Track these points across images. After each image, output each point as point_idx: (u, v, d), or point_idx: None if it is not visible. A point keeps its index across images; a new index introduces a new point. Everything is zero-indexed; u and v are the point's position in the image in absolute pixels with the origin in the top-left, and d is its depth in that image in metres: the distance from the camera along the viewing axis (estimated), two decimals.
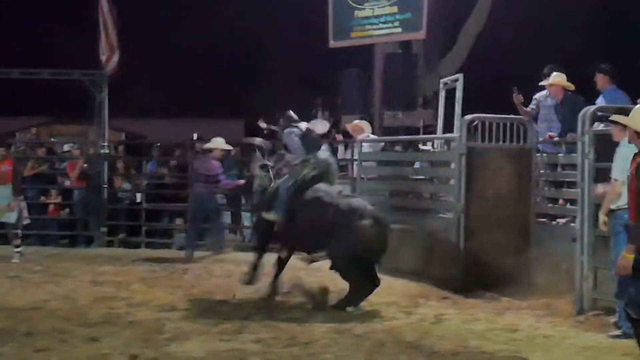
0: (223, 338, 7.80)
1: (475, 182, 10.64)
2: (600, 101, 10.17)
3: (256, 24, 24.16)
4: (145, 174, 15.45)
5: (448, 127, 11.90)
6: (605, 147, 8.32)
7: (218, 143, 13.30)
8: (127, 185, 15.25)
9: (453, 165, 10.86)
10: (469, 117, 10.70)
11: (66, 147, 15.73)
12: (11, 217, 12.52)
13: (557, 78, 10.42)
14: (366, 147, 12.57)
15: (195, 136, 19.69)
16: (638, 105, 6.75)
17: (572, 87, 10.38)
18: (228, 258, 12.97)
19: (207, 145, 13.40)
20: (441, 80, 12.22)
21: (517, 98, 10.72)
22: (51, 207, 15.12)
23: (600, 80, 10.28)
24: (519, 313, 9.00)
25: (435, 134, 13.04)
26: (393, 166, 12.31)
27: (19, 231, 12.72)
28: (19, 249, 12.57)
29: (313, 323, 8.46)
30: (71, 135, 20.76)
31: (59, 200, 15.12)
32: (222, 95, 27.32)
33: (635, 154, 6.21)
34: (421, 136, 12.22)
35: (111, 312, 9.02)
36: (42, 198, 15.25)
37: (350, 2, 14.02)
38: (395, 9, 13.46)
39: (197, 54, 25.87)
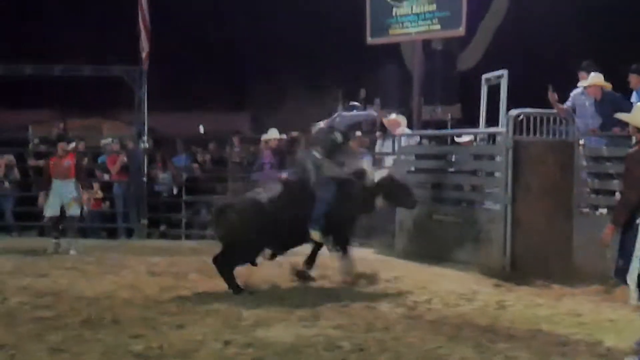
0: (304, 324, 8.15)
1: (521, 174, 11.05)
2: (635, 99, 10.66)
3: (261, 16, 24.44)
4: (182, 167, 15.77)
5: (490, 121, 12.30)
6: None
7: (273, 133, 13.83)
8: (165, 178, 15.56)
9: (499, 158, 11.26)
10: (515, 111, 11.10)
11: (104, 142, 16.04)
12: (77, 211, 12.91)
13: (595, 79, 10.87)
14: (404, 141, 12.98)
15: (202, 129, 20.06)
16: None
17: (609, 86, 10.81)
18: None
19: (265, 137, 13.87)
20: (483, 76, 12.60)
21: (552, 96, 11.17)
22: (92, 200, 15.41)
23: (634, 79, 10.75)
24: (575, 299, 9.41)
25: (462, 127, 13.52)
26: (436, 160, 12.69)
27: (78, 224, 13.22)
28: (75, 240, 12.98)
29: (382, 309, 8.85)
30: (83, 129, 21.02)
31: (100, 194, 15.42)
32: (227, 87, 27.59)
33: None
34: (470, 129, 12.58)
35: (184, 300, 9.38)
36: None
37: (389, 0, 14.37)
38: (434, 6, 13.82)
39: (201, 45, 26.02)
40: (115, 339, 7.60)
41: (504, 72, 11.98)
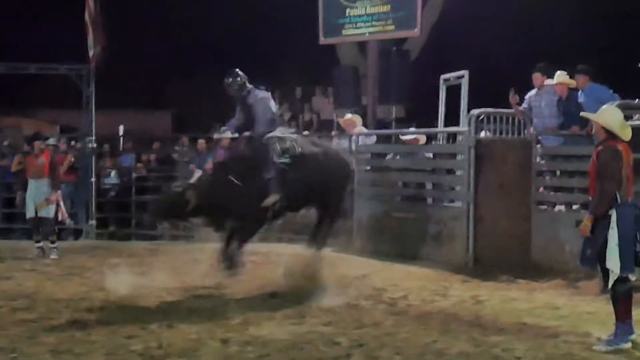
0: (293, 322, 8.24)
1: (482, 173, 11.37)
2: (581, 98, 11.08)
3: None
4: (128, 167, 15.63)
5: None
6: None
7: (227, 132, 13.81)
8: (112, 178, 15.40)
9: (460, 157, 11.56)
10: (476, 111, 11.41)
11: (51, 141, 15.72)
12: (50, 212, 12.40)
13: (561, 77, 11.22)
14: (361, 140, 13.18)
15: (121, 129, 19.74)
16: (605, 106, 7.89)
17: (574, 84, 11.19)
18: None
19: (217, 135, 13.85)
20: (442, 77, 12.88)
21: (514, 98, 11.51)
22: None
23: (581, 80, 11.18)
24: (546, 293, 9.73)
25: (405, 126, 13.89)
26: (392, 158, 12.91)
27: (55, 227, 12.67)
28: (54, 245, 12.46)
29: (364, 306, 9.00)
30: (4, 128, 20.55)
31: None
32: (147, 86, 27.34)
33: (597, 145, 7.43)
34: (432, 129, 12.83)
35: (161, 300, 9.36)
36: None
37: (342, 1, 14.55)
38: (388, 7, 14.07)
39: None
40: (110, 339, 7.55)
41: (465, 73, 12.28)
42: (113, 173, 15.32)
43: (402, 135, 12.86)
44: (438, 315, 8.57)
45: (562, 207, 11.34)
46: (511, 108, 11.68)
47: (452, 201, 12.01)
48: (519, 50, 16.32)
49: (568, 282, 10.21)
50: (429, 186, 12.47)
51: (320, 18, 14.95)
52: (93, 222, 14.64)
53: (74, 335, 7.69)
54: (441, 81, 12.92)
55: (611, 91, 10.53)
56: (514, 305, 9.09)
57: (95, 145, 14.82)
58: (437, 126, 13.04)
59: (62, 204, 12.64)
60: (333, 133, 13.66)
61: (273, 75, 20.64)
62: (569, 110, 11.00)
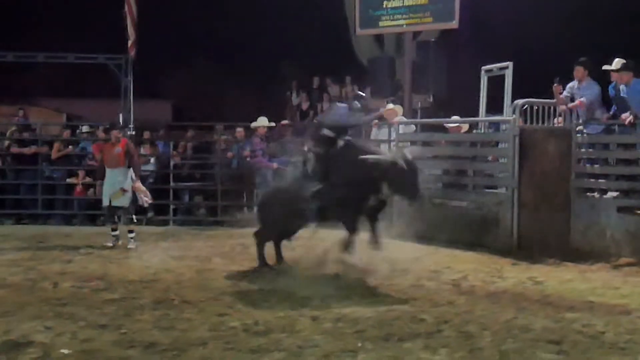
0: (370, 301, 8.54)
1: (526, 160, 11.79)
2: (626, 92, 11.47)
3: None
4: (167, 154, 15.92)
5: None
6: None
7: (263, 121, 14.23)
8: (150, 165, 15.69)
9: (505, 145, 11.99)
10: (520, 101, 11.83)
11: (84, 129, 16.04)
12: (124, 201, 12.30)
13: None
14: (402, 129, 13.59)
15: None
16: None
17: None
18: None
19: (254, 124, 14.24)
20: (483, 68, 13.30)
21: (558, 88, 11.89)
22: (78, 187, 15.42)
23: (626, 76, 11.57)
24: (598, 275, 10.16)
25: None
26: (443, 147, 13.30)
27: (134, 216, 12.53)
28: (132, 234, 12.32)
29: (430, 287, 9.42)
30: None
31: (85, 180, 15.42)
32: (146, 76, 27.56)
33: None
34: (476, 118, 13.23)
35: (231, 282, 9.73)
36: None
37: None
38: (426, 0, 14.49)
39: None
40: (204, 317, 7.90)
41: (509, 64, 12.69)
42: (152, 160, 15.60)
43: (446, 124, 13.26)
44: (504, 294, 8.96)
45: (602, 194, 11.78)
46: (552, 99, 12.09)
47: (494, 188, 12.41)
48: (555, 42, 16.70)
49: (614, 265, 10.68)
50: (469, 173, 12.83)
51: (357, 9, 15.33)
52: None
53: (168, 313, 8.03)
54: (482, 72, 13.33)
55: None
56: (573, 285, 9.49)
57: (134, 132, 15.09)
58: (474, 115, 13.45)
59: (143, 189, 12.48)
60: (374, 122, 14.01)
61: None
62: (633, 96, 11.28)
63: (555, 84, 11.72)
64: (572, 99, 11.92)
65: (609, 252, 11.12)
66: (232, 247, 12.43)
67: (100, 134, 15.28)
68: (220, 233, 13.95)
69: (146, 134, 15.55)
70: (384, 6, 15.00)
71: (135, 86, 17.37)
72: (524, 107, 11.82)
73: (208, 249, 12.27)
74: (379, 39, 17.22)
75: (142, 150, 15.38)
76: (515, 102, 11.84)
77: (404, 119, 13.85)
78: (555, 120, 12.75)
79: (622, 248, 11.08)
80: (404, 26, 14.95)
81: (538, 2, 16.59)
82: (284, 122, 15.41)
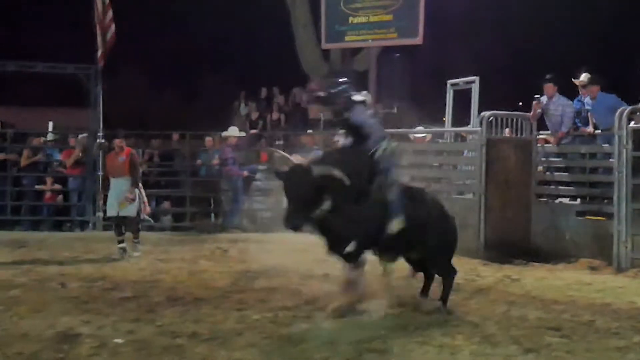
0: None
1: (492, 168, 12.66)
2: (590, 106, 12.48)
3: None
4: None
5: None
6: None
7: (233, 131, 14.78)
8: None
9: (472, 154, 12.84)
10: (487, 113, 12.69)
11: (50, 137, 16.30)
12: (132, 211, 12.09)
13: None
14: None
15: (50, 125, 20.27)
16: None
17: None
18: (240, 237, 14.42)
19: (225, 134, 14.76)
20: (449, 82, 14.13)
21: (538, 105, 12.70)
22: (47, 194, 15.67)
23: (550, 88, 12.60)
24: (568, 273, 11.04)
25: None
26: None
27: (140, 225, 12.37)
28: (137, 241, 12.24)
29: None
30: None
31: (54, 187, 15.65)
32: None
33: None
34: (448, 129, 14.03)
35: (223, 282, 10.05)
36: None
37: (345, 10, 15.68)
38: (391, 16, 15.27)
39: None
40: (223, 312, 8.26)
41: (476, 79, 13.55)
42: None
43: (413, 134, 14.05)
44: (490, 290, 9.71)
45: (559, 200, 12.74)
46: (514, 111, 13.02)
47: (461, 193, 13.25)
48: (513, 55, 17.64)
49: (578, 264, 11.61)
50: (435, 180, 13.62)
51: (323, 24, 16.06)
52: (100, 214, 15.22)
53: (188, 309, 8.40)
54: (448, 86, 14.17)
55: (619, 99, 11.90)
56: (549, 282, 10.31)
57: (104, 140, 15.40)
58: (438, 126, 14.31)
59: (145, 199, 12.43)
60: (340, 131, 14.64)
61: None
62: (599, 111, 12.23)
63: (535, 102, 12.57)
64: (543, 114, 12.81)
65: (569, 253, 12.05)
66: (212, 251, 12.94)
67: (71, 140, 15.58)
68: (192, 238, 14.44)
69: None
70: (350, 22, 15.76)
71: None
72: (490, 119, 12.65)
73: (190, 252, 12.71)
74: (324, 53, 17.98)
75: None
76: (482, 114, 12.68)
77: None
78: (507, 130, 13.60)
79: (581, 250, 12.01)
80: (370, 41, 15.72)
81: (501, 18, 17.53)
82: (253, 131, 15.98)
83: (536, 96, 12.48)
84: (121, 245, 12.13)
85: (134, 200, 12.11)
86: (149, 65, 28.86)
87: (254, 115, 20.30)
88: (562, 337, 7.46)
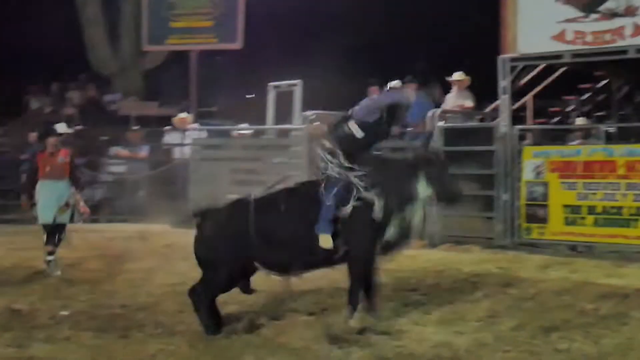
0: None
1: (314, 161, 14.39)
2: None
3: None
4: None
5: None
6: None
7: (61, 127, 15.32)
8: None
9: (298, 148, 14.51)
10: (309, 112, 14.42)
11: None
12: (67, 218, 11.18)
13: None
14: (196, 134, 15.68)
15: None
16: None
17: None
18: None
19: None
20: (271, 84, 15.63)
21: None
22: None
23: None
24: None
25: None
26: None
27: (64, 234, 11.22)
28: (53, 257, 11.03)
29: None
30: None
31: None
32: None
33: None
34: (275, 126, 15.48)
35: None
36: None
37: (166, 14, 16.79)
38: (211, 22, 16.57)
39: None
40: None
41: (299, 82, 15.17)
42: None
43: (236, 130, 15.50)
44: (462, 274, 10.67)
45: None
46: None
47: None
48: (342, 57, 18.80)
49: None
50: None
51: (145, 27, 17.08)
52: None
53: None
54: (271, 87, 15.71)
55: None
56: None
57: None
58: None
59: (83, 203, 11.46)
60: (166, 128, 15.86)
61: None
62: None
63: None
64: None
65: None
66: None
67: None
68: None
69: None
70: (170, 26, 16.92)
71: None
72: (312, 118, 14.39)
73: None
74: (116, 51, 19.05)
75: None
76: (305, 113, 14.39)
77: (197, 126, 15.88)
78: None
79: None
80: (191, 45, 16.96)
81: (324, 23, 18.94)
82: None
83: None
84: (51, 257, 11.07)
85: (69, 206, 11.23)
86: None
87: (47, 109, 20.58)
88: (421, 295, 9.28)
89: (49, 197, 11.07)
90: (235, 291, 8.16)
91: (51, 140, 11.27)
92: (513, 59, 12.64)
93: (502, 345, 7.29)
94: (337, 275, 8.41)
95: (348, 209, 7.83)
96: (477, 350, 7.17)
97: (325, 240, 7.77)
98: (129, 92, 19.33)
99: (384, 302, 8.70)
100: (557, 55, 12.46)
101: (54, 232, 11.08)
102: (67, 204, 11.12)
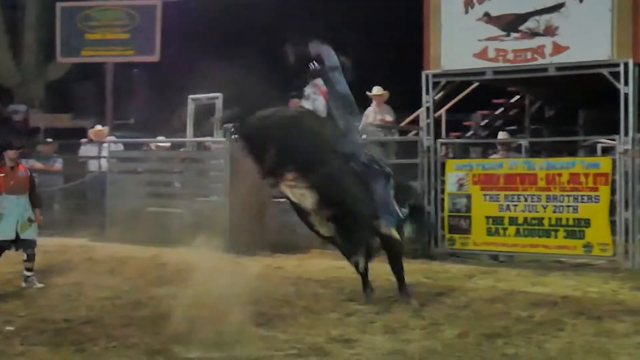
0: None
1: (235, 174, 14.45)
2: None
3: None
4: None
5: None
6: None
7: None
8: None
9: (219, 161, 14.53)
10: (230, 125, 14.44)
11: None
12: (33, 234, 10.84)
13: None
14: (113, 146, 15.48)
15: None
16: None
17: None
18: None
19: None
20: (190, 97, 15.56)
21: None
22: None
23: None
24: (317, 260, 13.06)
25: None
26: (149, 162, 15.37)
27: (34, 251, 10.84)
28: (31, 273, 10.77)
29: None
30: None
31: None
32: None
33: None
34: (192, 139, 15.40)
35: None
36: None
37: (80, 26, 16.51)
38: (127, 35, 16.37)
39: None
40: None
41: (220, 95, 15.17)
42: None
43: (153, 143, 15.40)
44: (267, 277, 11.41)
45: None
46: None
47: (206, 196, 14.89)
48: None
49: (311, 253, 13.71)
50: (177, 185, 15.14)
51: (58, 39, 16.76)
52: None
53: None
54: (190, 100, 15.66)
55: None
56: (307, 268, 12.30)
57: None
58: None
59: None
60: (83, 141, 15.60)
61: None
62: None
63: None
64: None
65: (300, 245, 14.15)
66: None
67: None
68: None
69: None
70: (86, 37, 16.68)
71: None
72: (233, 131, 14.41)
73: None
74: (18, 62, 18.77)
75: None
76: (226, 125, 14.40)
77: (114, 138, 15.70)
78: None
79: (311, 242, 14.17)
80: (105, 57, 16.77)
81: (242, 35, 18.93)
82: None
83: None
84: (29, 273, 10.81)
85: (34, 221, 10.90)
86: None
87: None
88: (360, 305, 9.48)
89: (9, 212, 10.74)
90: None
91: (10, 153, 10.85)
92: (436, 75, 13.05)
93: (452, 351, 7.47)
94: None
95: None
96: (429, 357, 7.33)
97: None
98: (33, 103, 19.03)
99: (326, 312, 8.94)
100: (480, 72, 12.94)
101: (19, 248, 10.79)
102: (29, 220, 10.80)
